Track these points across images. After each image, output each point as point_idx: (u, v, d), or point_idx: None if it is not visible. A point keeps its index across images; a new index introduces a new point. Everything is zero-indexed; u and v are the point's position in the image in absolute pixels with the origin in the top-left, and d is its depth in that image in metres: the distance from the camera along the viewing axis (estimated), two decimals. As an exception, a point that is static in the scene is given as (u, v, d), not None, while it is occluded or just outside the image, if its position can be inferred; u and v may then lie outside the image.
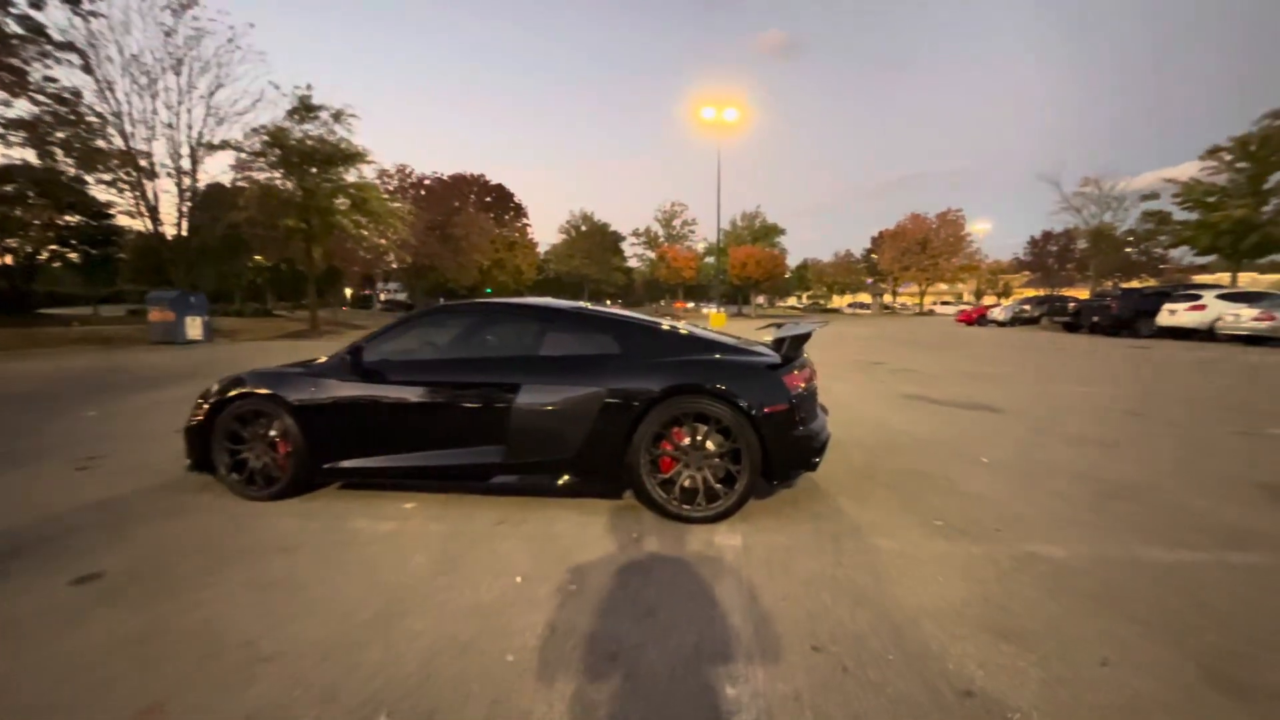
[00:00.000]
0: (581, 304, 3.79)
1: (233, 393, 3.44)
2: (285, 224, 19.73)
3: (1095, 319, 19.99)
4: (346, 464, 3.36)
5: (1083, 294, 34.71)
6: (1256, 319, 14.82)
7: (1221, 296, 16.93)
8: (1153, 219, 29.32)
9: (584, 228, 65.17)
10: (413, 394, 3.27)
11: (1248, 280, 25.90)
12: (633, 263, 70.49)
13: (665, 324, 3.47)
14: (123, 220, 24.46)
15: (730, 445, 2.98)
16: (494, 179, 52.23)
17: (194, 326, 17.28)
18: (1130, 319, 18.64)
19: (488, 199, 51.82)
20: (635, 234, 70.18)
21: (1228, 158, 25.31)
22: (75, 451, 4.51)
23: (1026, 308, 27.84)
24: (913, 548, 2.69)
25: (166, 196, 23.64)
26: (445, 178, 46.75)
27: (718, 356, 3.16)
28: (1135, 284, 36.08)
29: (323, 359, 3.59)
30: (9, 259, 24.58)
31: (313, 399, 3.37)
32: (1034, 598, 2.23)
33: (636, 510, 3.17)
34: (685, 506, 3.00)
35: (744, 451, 2.95)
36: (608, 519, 3.08)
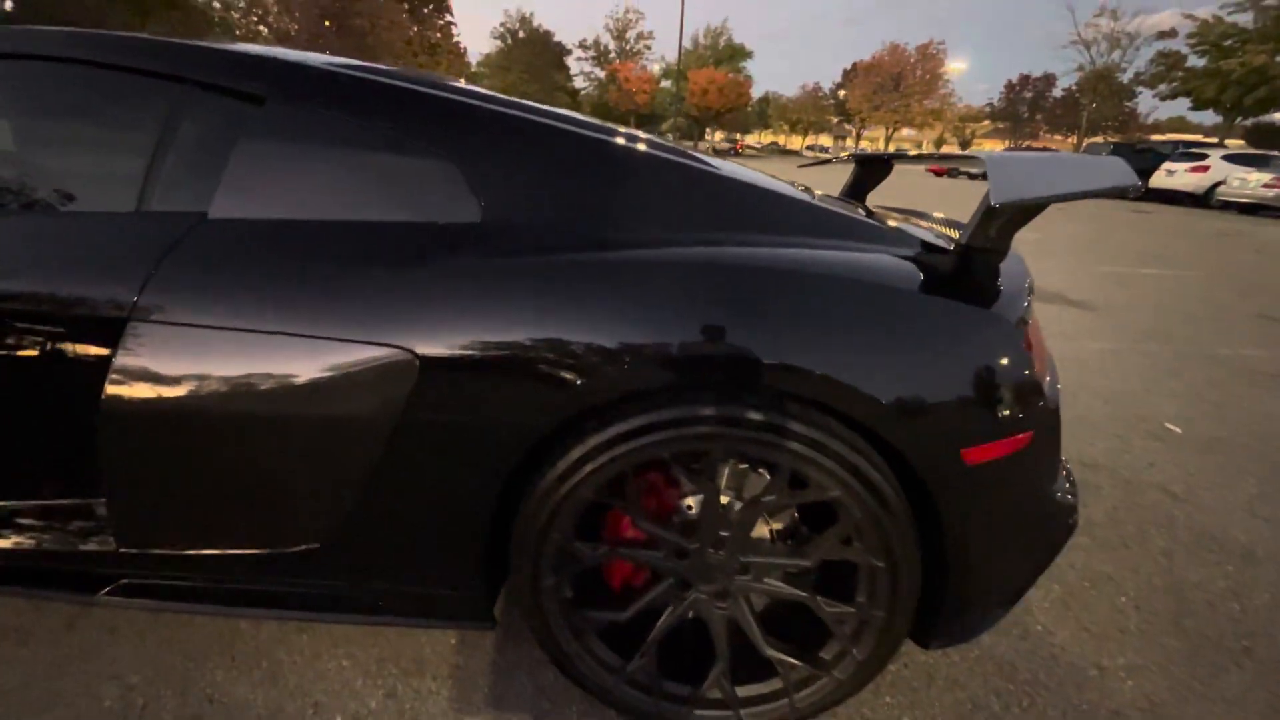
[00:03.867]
0: (378, 65, 1.38)
1: None
2: (95, -17, 14.28)
3: (1085, 176, 18.23)
4: None
5: (1054, 147, 32.69)
6: (1268, 185, 13.36)
7: (1228, 158, 15.35)
8: (1165, 61, 26.39)
9: (522, 34, 55.13)
10: None
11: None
12: (579, 82, 61.34)
13: (641, 141, 1.10)
14: None
15: (834, 544, 0.94)
16: (407, -44, 41.92)
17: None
18: (1123, 178, 16.97)
19: (400, -16, 42.09)
20: (583, 46, 60.24)
21: (1261, -10, 22.25)
22: None
23: (1005, 160, 25.78)
24: None
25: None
26: (342, -52, 37.01)
27: (813, 254, 0.94)
28: (1099, 140, 34.33)
29: None
30: None
31: None
32: None
33: (538, 686, 1.18)
34: (674, 691, 1.02)
35: (872, 572, 0.92)
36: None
